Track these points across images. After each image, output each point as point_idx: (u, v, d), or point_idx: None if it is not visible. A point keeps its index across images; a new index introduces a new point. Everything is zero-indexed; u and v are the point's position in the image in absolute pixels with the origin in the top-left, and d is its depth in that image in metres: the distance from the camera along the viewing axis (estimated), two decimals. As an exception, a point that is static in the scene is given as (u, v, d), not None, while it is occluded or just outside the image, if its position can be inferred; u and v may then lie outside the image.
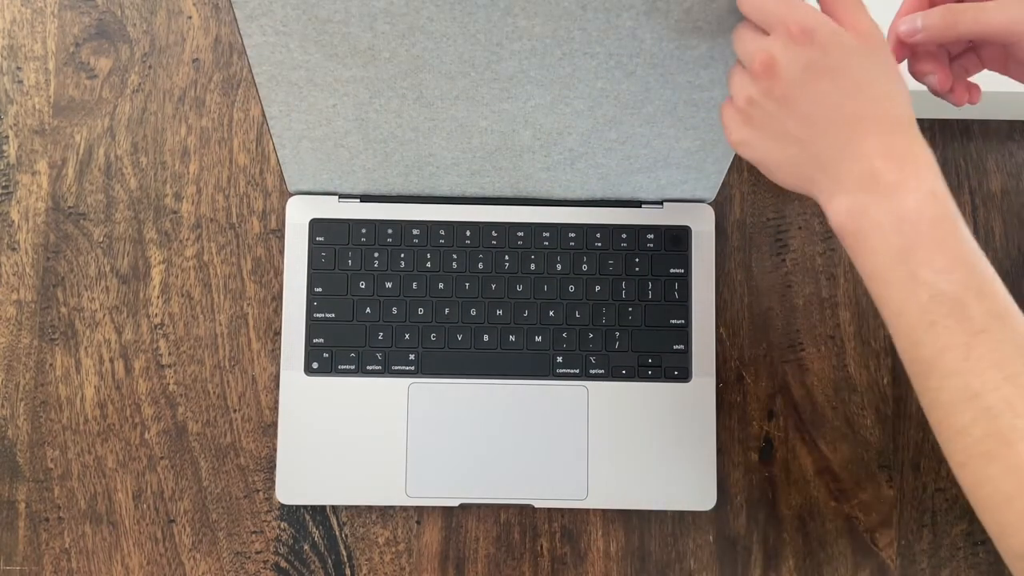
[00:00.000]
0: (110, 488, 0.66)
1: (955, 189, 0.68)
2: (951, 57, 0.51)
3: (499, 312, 0.66)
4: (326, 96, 0.55)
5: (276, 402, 0.66)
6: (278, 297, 0.67)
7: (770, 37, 0.43)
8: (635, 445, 0.64)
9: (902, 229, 0.42)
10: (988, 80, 0.52)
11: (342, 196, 0.66)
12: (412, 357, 0.65)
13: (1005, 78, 0.51)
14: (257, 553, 0.65)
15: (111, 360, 0.67)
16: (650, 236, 0.67)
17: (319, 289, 0.65)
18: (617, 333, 0.66)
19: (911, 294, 0.42)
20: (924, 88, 0.50)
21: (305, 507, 0.66)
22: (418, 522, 0.66)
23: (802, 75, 0.43)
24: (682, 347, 0.66)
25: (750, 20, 0.45)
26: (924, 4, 0.49)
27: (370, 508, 0.66)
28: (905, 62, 0.50)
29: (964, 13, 0.46)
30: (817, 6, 0.44)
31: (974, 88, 0.50)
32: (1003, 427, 0.40)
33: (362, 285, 0.66)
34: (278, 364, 0.66)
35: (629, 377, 0.65)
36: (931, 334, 0.42)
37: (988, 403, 0.40)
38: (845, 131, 0.43)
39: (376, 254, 0.66)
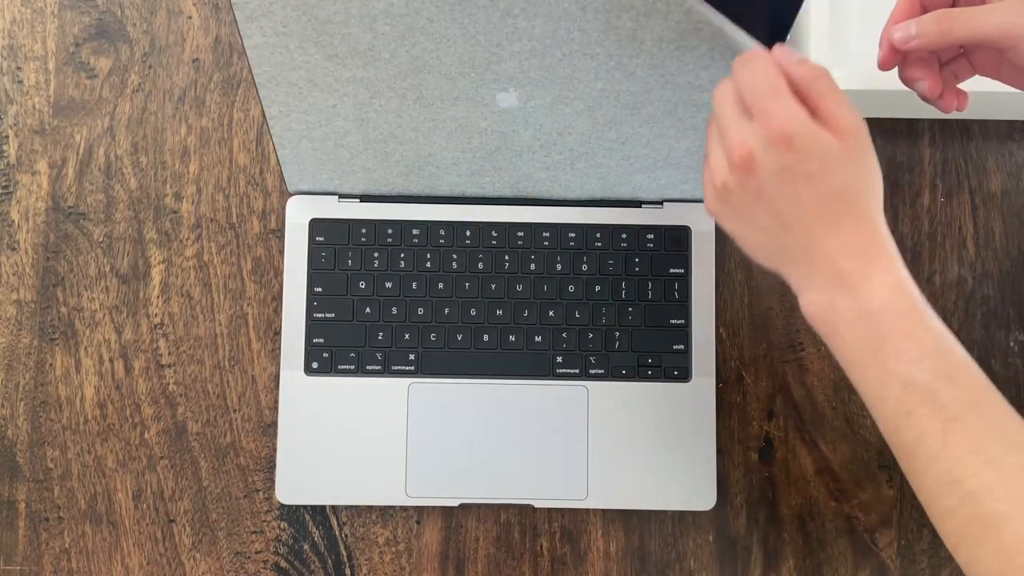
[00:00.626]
0: (110, 488, 0.66)
1: (955, 189, 0.68)
2: (941, 63, 0.51)
3: (499, 312, 0.66)
4: (326, 96, 0.55)
5: (276, 402, 0.66)
6: (278, 297, 0.67)
7: (751, 128, 0.43)
8: (635, 445, 0.64)
9: (870, 323, 0.43)
10: (988, 80, 0.52)
11: (342, 196, 0.66)
12: (412, 357, 0.65)
13: (1005, 78, 0.51)
14: (257, 553, 0.65)
15: (111, 360, 0.67)
16: (650, 236, 0.67)
17: (319, 289, 0.65)
18: (617, 333, 0.66)
19: (885, 384, 0.43)
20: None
21: (305, 507, 0.66)
22: (418, 522, 0.66)
23: (777, 177, 0.43)
24: (682, 347, 0.66)
25: (736, 86, 0.44)
26: (916, 10, 0.48)
27: (370, 508, 0.66)
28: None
29: (958, 19, 0.46)
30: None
31: (962, 95, 0.51)
32: (985, 511, 0.41)
33: (362, 285, 0.66)
34: (278, 364, 0.66)
35: (629, 377, 0.65)
36: (909, 421, 0.43)
37: (969, 488, 0.41)
38: (812, 231, 0.44)
39: (376, 254, 0.66)
